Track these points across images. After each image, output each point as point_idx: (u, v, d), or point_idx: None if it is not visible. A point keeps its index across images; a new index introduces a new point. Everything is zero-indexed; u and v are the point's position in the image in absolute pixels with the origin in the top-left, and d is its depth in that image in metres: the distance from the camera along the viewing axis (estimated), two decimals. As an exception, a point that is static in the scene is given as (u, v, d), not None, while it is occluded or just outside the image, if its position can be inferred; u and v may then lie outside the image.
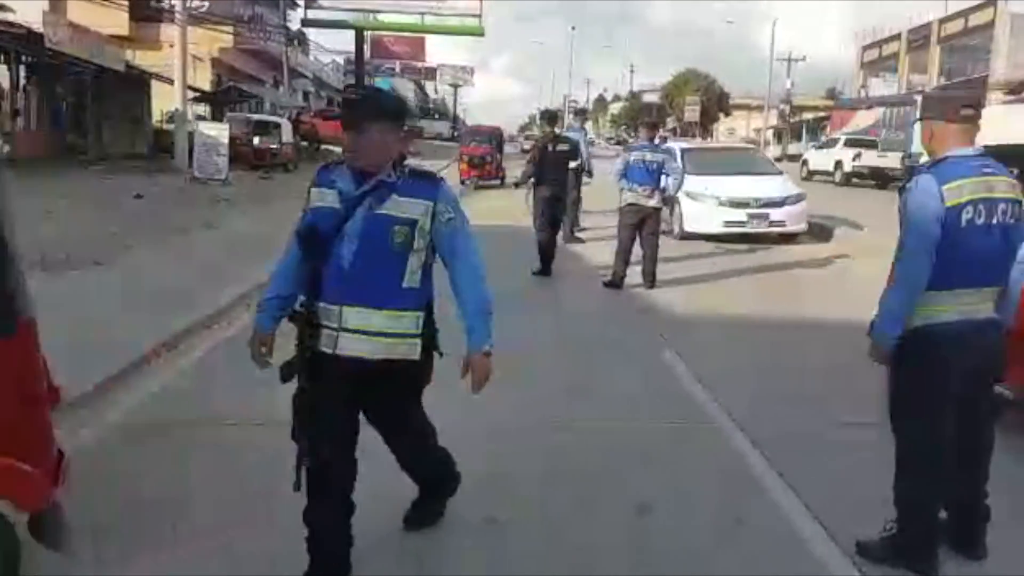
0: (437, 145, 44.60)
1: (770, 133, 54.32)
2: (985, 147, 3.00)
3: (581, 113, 13.97)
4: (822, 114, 48.36)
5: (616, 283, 8.37)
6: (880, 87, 45.17)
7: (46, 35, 20.10)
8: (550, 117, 9.58)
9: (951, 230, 2.82)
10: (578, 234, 11.83)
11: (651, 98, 73.44)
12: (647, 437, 4.45)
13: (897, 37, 46.30)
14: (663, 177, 8.38)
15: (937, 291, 2.90)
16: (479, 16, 35.93)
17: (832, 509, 3.53)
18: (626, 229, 8.40)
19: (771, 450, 4.18)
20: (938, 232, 2.81)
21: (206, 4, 31.35)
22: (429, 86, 78.96)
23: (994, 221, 2.87)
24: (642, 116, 76.46)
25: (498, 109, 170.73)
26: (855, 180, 25.45)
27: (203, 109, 32.51)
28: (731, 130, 70.40)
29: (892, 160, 24.37)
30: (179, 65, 20.27)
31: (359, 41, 39.09)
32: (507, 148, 25.51)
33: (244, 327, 5.94)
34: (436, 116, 65.49)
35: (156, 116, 29.90)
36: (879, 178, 24.53)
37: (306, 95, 46.91)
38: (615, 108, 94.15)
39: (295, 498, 2.77)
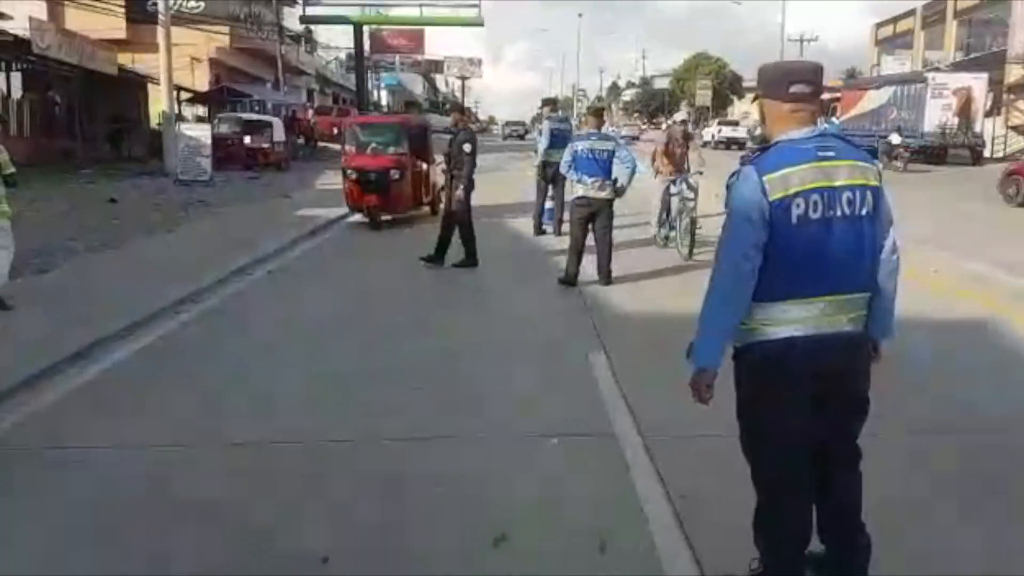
0: (446, 138, 44.33)
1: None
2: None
3: (551, 102, 12.90)
4: (836, 95, 47.38)
5: (569, 280, 8.00)
6: (893, 65, 44.07)
7: (33, 41, 20.07)
8: (457, 108, 9.37)
9: (780, 229, 2.37)
10: (545, 226, 11.45)
11: (662, 84, 72.54)
12: (531, 451, 4.11)
13: (912, 13, 45.21)
14: (616, 166, 7.98)
15: (770, 302, 2.44)
16: (478, 6, 35.70)
17: (710, 538, 3.19)
18: (577, 224, 8.03)
19: (668, 469, 3.81)
20: (760, 232, 2.37)
21: (201, 4, 31.34)
22: (439, 80, 78.71)
23: (837, 214, 2.40)
24: (652, 103, 75.54)
25: (515, 99, 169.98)
26: (720, 145, 42.21)
27: (202, 111, 32.50)
28: (745, 113, 69.38)
29: (741, 132, 42.61)
30: (165, 66, 20.12)
31: (358, 36, 38.99)
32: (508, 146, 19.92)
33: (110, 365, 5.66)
34: (446, 109, 65.10)
35: (154, 119, 29.88)
36: (732, 144, 41.52)
37: (310, 93, 46.77)
38: (627, 95, 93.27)
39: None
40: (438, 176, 12.27)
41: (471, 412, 4.61)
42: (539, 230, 11.37)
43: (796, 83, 2.48)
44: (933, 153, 29.06)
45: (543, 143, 11.32)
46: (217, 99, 30.62)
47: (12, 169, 7.72)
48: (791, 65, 2.63)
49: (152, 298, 7.04)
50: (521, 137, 50.58)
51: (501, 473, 3.86)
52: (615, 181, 7.91)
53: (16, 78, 24.06)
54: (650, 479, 3.75)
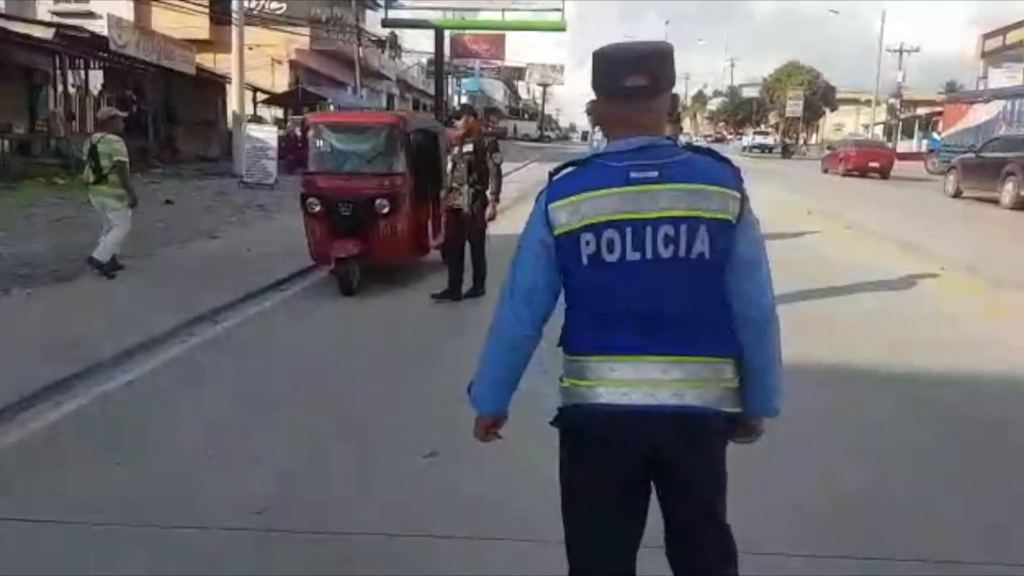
0: (523, 146, 44.23)
1: (879, 129, 50.67)
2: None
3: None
4: (937, 108, 44.59)
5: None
6: (1001, 78, 41.04)
7: (111, 39, 20.16)
8: (470, 111, 7.93)
9: (570, 270, 1.88)
10: None
11: (751, 93, 70.25)
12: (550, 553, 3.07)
13: (1023, 23, 42.13)
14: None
15: (578, 356, 1.92)
16: (561, 10, 34.85)
17: None
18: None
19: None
20: (549, 273, 1.91)
21: (283, 5, 31.49)
22: (520, 87, 78.32)
23: (647, 255, 1.81)
24: (740, 112, 72.98)
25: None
26: (755, 150, 48.39)
27: (280, 112, 32.61)
28: (838, 126, 66.52)
29: (771, 140, 51.31)
30: (236, 66, 19.92)
31: (439, 41, 38.67)
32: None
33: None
34: (525, 116, 64.68)
35: (231, 120, 30.11)
36: (765, 149, 48.93)
37: (390, 97, 46.80)
38: (713, 104, 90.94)
39: None
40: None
41: (487, 497, 3.56)
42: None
43: (631, 73, 1.84)
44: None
45: None
46: (294, 101, 30.62)
47: (120, 158, 8.00)
48: (625, 48, 1.93)
49: (157, 321, 6.33)
50: None
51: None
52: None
53: (97, 76, 24.41)
54: None
